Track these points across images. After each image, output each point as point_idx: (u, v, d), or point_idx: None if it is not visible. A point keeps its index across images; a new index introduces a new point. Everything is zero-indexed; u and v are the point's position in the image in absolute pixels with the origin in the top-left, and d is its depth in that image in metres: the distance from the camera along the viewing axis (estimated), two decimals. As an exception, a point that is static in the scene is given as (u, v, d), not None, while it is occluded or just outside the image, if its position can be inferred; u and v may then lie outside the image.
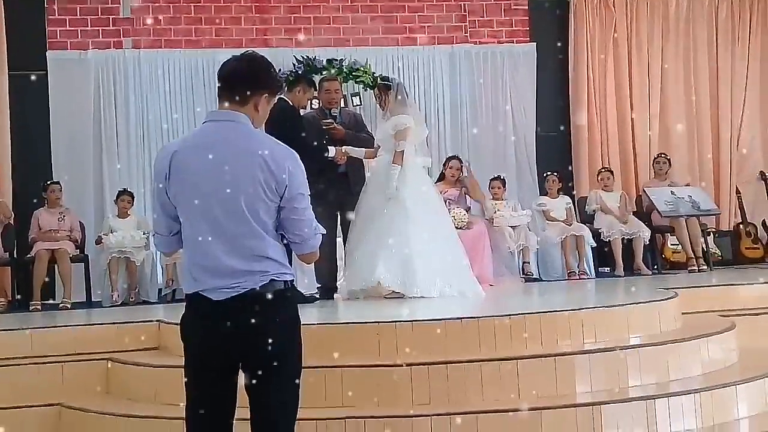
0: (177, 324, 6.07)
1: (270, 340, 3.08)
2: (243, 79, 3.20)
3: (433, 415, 4.88)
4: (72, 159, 10.28)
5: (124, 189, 9.79)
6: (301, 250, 3.23)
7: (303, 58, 10.51)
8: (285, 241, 3.24)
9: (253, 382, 3.12)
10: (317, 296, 7.80)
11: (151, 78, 10.50)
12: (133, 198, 9.74)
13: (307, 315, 6.69)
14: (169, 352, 6.13)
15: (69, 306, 8.93)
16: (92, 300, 9.39)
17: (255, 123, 3.23)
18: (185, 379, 3.22)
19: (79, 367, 6.20)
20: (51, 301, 9.42)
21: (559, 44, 11.16)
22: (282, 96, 7.85)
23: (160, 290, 9.66)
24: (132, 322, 6.81)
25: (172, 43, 10.62)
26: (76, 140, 10.30)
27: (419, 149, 7.88)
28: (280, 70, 10.55)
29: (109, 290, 9.23)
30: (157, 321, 6.60)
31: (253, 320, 3.08)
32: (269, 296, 3.11)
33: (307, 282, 8.09)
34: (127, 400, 5.72)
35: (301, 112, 7.94)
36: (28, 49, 10.28)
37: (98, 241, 9.59)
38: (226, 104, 3.19)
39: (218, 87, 3.25)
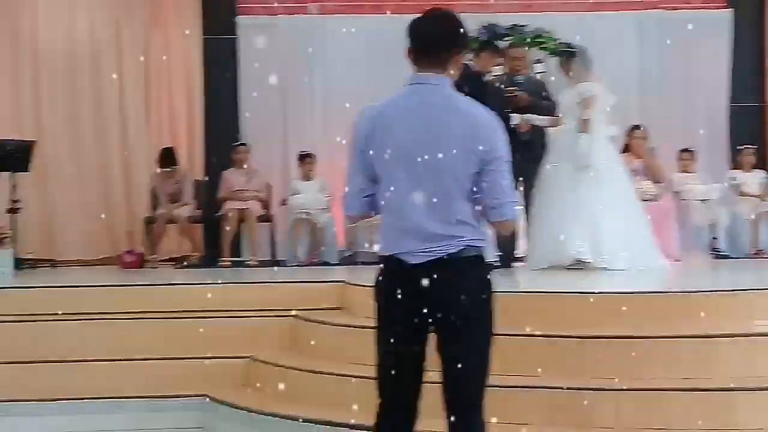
0: (360, 285, 6.33)
1: (465, 304, 3.07)
2: (440, 40, 3.13)
3: (621, 389, 4.77)
4: (259, 122, 10.58)
5: (309, 152, 10.00)
6: (498, 216, 3.12)
7: (487, 23, 10.41)
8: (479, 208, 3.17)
9: (447, 345, 3.11)
10: (496, 264, 7.77)
11: (337, 43, 10.65)
12: (316, 161, 9.95)
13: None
14: (353, 312, 6.26)
15: (255, 264, 9.25)
16: (276, 259, 9.70)
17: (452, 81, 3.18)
18: (378, 340, 3.21)
19: (267, 323, 6.42)
20: (238, 258, 9.77)
21: (757, 11, 10.59)
22: (468, 62, 7.82)
23: (341, 252, 9.85)
24: (317, 281, 6.99)
25: (358, 9, 10.73)
26: (263, 103, 10.57)
27: (605, 118, 7.67)
28: (463, 36, 10.51)
29: (293, 250, 9.50)
30: (341, 282, 6.73)
31: (449, 284, 3.06)
32: (466, 261, 3.09)
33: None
34: (312, 357, 5.86)
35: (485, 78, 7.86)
36: (221, 14, 10.61)
37: (283, 203, 9.88)
38: (425, 66, 3.14)
39: (412, 48, 3.16)
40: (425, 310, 3.08)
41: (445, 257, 3.06)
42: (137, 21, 10.53)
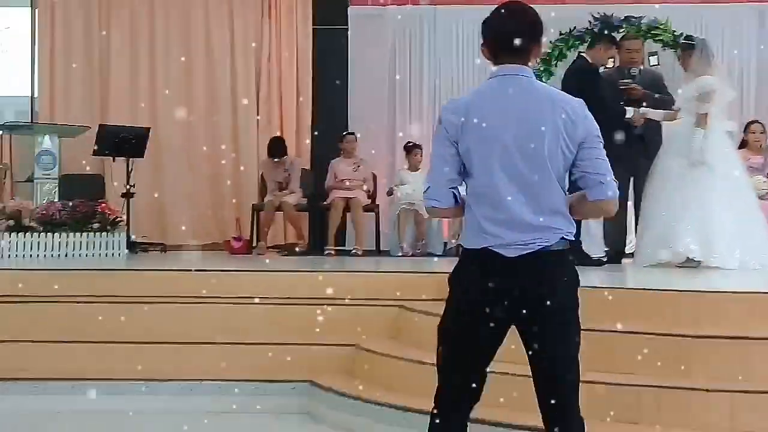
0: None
1: (559, 299, 3.06)
2: (524, 33, 3.13)
3: (734, 391, 4.63)
4: (367, 112, 10.64)
5: (416, 143, 10.00)
6: (602, 194, 3.08)
7: (600, 14, 10.24)
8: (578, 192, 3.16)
9: (540, 340, 3.08)
10: (604, 260, 7.65)
11: (447, 34, 10.63)
12: (422, 152, 9.94)
13: (594, 278, 6.66)
14: (458, 304, 6.24)
15: (360, 253, 9.31)
16: (380, 249, 9.74)
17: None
18: (448, 329, 3.17)
19: (371, 312, 6.44)
20: (342, 247, 9.85)
21: None
22: (582, 53, 7.70)
23: (445, 244, 9.84)
24: (422, 272, 6.99)
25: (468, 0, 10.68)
26: (371, 94, 10.63)
27: (723, 113, 7.45)
28: (575, 27, 10.37)
29: (397, 240, 9.52)
30: (447, 273, 6.69)
31: (548, 277, 3.06)
32: (562, 253, 3.10)
33: (589, 244, 7.96)
34: (416, 347, 5.86)
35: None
36: (332, 4, 10.70)
37: (389, 193, 9.91)
38: (508, 59, 3.14)
39: (492, 42, 3.16)
40: (520, 304, 3.04)
41: (542, 250, 3.05)
42: (250, 12, 10.71)
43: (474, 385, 3.18)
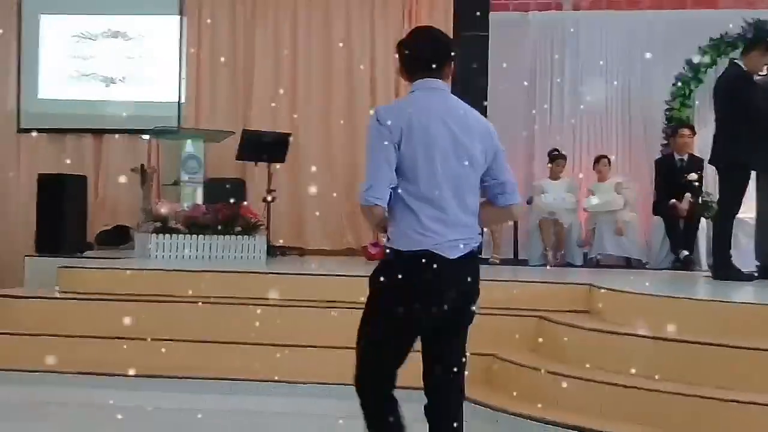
0: (609, 289, 6.13)
1: (476, 299, 3.48)
2: (438, 54, 3.47)
3: None
4: (505, 119, 10.50)
5: (560, 152, 9.83)
6: (513, 199, 3.48)
7: (753, 20, 9.85)
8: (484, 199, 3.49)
9: (455, 336, 3.48)
10: (756, 274, 7.32)
11: (588, 40, 10.42)
12: (564, 161, 9.78)
13: (744, 293, 6.37)
14: (600, 316, 6.08)
15: (498, 261, 9.19)
16: (518, 258, 9.60)
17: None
18: (387, 325, 3.36)
19: (510, 322, 6.33)
20: (480, 256, 9.73)
21: None
22: (735, 60, 7.39)
23: (585, 254, 9.63)
24: (563, 283, 6.84)
25: (613, 5, 10.45)
26: (511, 101, 10.51)
27: None
28: (726, 33, 10.00)
29: (536, 250, 9.37)
30: (588, 284, 6.55)
31: (474, 278, 3.43)
32: (477, 257, 3.46)
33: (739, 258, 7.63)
34: (556, 359, 5.73)
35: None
36: (474, 11, 10.62)
37: (529, 201, 9.76)
38: (430, 75, 3.46)
39: (413, 61, 3.49)
40: (453, 302, 3.35)
41: (471, 252, 3.40)
42: (391, 19, 10.75)
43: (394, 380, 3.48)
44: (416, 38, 3.54)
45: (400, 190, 3.34)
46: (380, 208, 3.33)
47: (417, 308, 3.31)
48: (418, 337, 3.45)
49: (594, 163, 9.86)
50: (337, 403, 5.69)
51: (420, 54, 3.48)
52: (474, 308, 3.46)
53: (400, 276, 3.31)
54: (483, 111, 10.37)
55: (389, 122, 3.34)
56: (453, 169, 3.34)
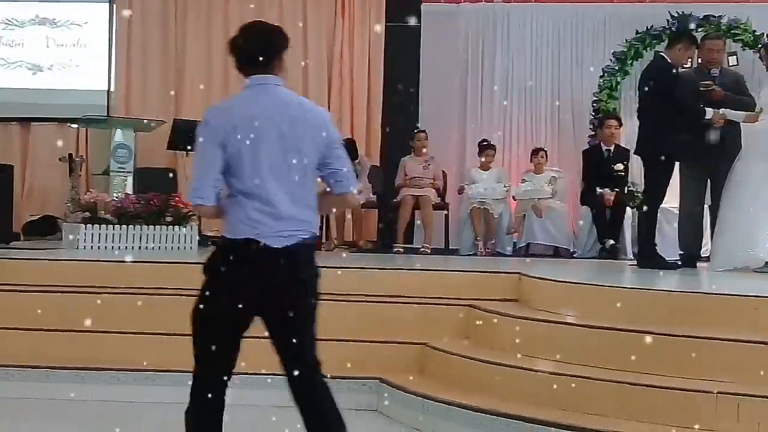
0: (538, 278, 6.23)
1: (310, 288, 3.54)
2: (266, 49, 3.56)
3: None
4: (438, 110, 10.60)
5: (490, 142, 9.94)
6: (347, 187, 3.54)
7: (678, 13, 10.07)
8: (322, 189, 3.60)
9: (291, 324, 3.49)
10: (679, 263, 7.51)
11: (520, 32, 10.55)
12: (494, 151, 9.90)
13: (669, 282, 6.54)
14: (529, 305, 6.18)
15: (429, 251, 9.27)
16: (449, 247, 9.70)
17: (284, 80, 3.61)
18: (211, 316, 3.45)
19: (441, 311, 6.40)
20: (411, 245, 9.82)
21: None
22: (660, 53, 7.56)
23: (515, 243, 9.77)
24: (493, 272, 6.93)
25: (542, -3, 10.61)
26: (443, 91, 10.60)
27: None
28: (652, 26, 10.20)
29: (467, 239, 9.48)
30: (517, 273, 6.65)
31: (301, 268, 3.48)
32: (313, 246, 3.55)
33: (663, 247, 7.84)
34: (487, 348, 5.82)
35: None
36: (404, 2, 10.67)
37: (460, 191, 9.86)
38: (257, 70, 3.56)
39: (241, 57, 3.57)
40: (279, 290, 3.42)
41: (302, 242, 3.46)
42: (323, 9, 10.75)
43: (228, 368, 3.57)
44: (243, 34, 3.59)
45: (230, 186, 3.47)
46: (207, 207, 3.48)
47: (232, 289, 3.41)
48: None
49: (531, 155, 9.98)
50: (271, 394, 5.72)
51: (247, 49, 3.56)
52: (312, 300, 3.53)
53: (223, 260, 3.45)
54: (415, 102, 10.50)
55: (214, 123, 3.48)
56: (280, 164, 3.43)
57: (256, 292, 3.41)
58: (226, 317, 3.45)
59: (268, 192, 3.42)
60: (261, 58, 3.53)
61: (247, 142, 3.41)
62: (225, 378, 3.58)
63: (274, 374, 4.65)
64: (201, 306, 3.49)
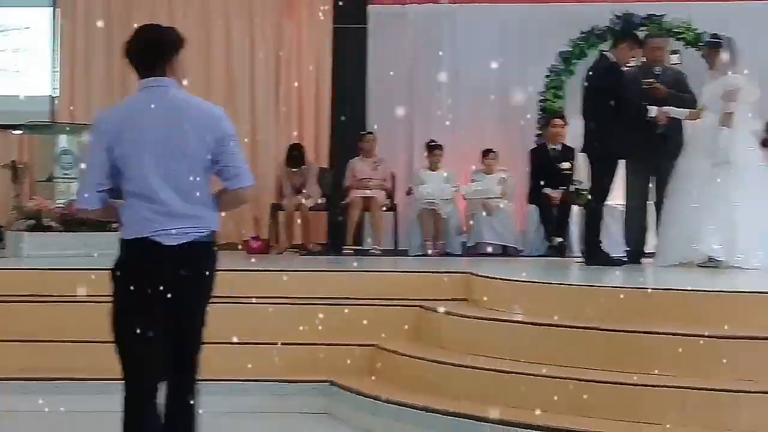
0: (487, 277, 6.27)
1: (207, 283, 3.65)
2: (158, 51, 3.60)
3: (759, 392, 4.58)
4: (386, 111, 10.59)
5: (437, 143, 9.97)
6: (240, 183, 3.58)
7: (622, 13, 10.20)
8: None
9: (188, 318, 3.61)
10: (625, 259, 7.59)
11: (467, 33, 10.58)
12: (442, 152, 9.93)
13: (615, 278, 6.62)
14: (479, 304, 6.21)
15: (378, 253, 9.28)
16: (398, 248, 9.71)
17: (179, 82, 3.66)
18: (123, 319, 3.51)
19: (391, 312, 6.41)
20: (361, 247, 9.81)
21: None
22: (605, 52, 7.64)
23: (464, 243, 9.81)
24: (442, 272, 6.95)
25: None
26: (391, 93, 10.59)
27: (749, 112, 7.37)
28: (596, 26, 10.31)
29: (416, 240, 9.51)
30: (467, 273, 6.68)
31: (198, 265, 3.57)
32: (210, 244, 3.61)
33: (609, 244, 7.94)
34: (436, 348, 5.84)
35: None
36: (352, 4, 10.66)
37: (409, 192, 9.88)
38: (149, 72, 3.58)
39: (135, 59, 3.60)
40: (178, 288, 3.48)
41: (197, 240, 3.52)
42: (270, 11, 10.70)
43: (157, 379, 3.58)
44: (135, 36, 3.64)
45: (123, 187, 3.55)
46: (92, 211, 3.60)
47: (136, 289, 3.46)
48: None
49: (482, 156, 10.02)
50: (221, 400, 5.69)
51: (135, 52, 3.61)
52: (203, 301, 3.62)
53: (123, 263, 3.54)
54: (364, 104, 10.48)
55: (102, 127, 3.55)
56: (169, 164, 3.48)
57: (156, 291, 3.46)
58: (139, 319, 3.48)
59: (158, 192, 3.47)
60: (152, 61, 3.58)
61: (134, 144, 3.47)
62: (156, 382, 3.59)
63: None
64: (115, 312, 3.54)
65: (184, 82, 3.69)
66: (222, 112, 3.64)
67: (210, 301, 3.66)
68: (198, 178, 3.52)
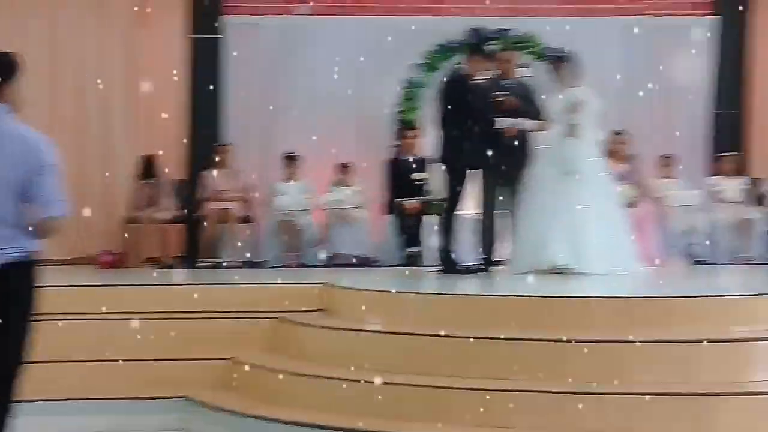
0: (344, 288, 6.31)
1: (26, 303, 3.75)
2: None
3: (604, 393, 4.77)
4: (243, 122, 10.53)
5: (293, 154, 9.98)
6: (45, 212, 3.65)
7: (475, 27, 10.44)
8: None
9: (10, 333, 3.71)
10: (480, 267, 7.77)
11: (322, 45, 10.62)
12: (299, 163, 9.95)
13: (470, 286, 6.78)
14: (337, 314, 6.24)
15: (235, 264, 9.20)
16: (256, 260, 9.65)
17: (16, 107, 3.79)
18: None
19: (248, 324, 6.38)
20: (217, 259, 9.70)
21: (740, 19, 10.64)
22: (458, 64, 7.83)
23: (321, 254, 9.81)
24: (299, 283, 6.96)
25: (345, 10, 10.73)
26: (247, 104, 10.52)
27: (594, 123, 7.68)
28: (450, 40, 10.53)
29: (274, 251, 9.48)
30: (323, 284, 6.71)
31: (17, 284, 3.69)
32: (28, 265, 3.72)
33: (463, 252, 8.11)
34: (295, 359, 5.84)
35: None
36: (206, 14, 10.55)
37: (265, 204, 9.83)
38: None
39: None
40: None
41: (11, 260, 3.63)
42: (121, 22, 10.45)
43: None
44: None
45: None
46: None
47: None
48: None
49: (340, 168, 10.08)
50: (75, 420, 5.55)
51: None
52: (24, 322, 3.70)
53: None
54: (219, 115, 10.37)
55: None
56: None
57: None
58: None
59: None
60: None
61: None
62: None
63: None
64: None
65: (26, 105, 3.78)
66: (43, 142, 3.72)
67: (31, 319, 3.72)
68: (15, 203, 3.62)
